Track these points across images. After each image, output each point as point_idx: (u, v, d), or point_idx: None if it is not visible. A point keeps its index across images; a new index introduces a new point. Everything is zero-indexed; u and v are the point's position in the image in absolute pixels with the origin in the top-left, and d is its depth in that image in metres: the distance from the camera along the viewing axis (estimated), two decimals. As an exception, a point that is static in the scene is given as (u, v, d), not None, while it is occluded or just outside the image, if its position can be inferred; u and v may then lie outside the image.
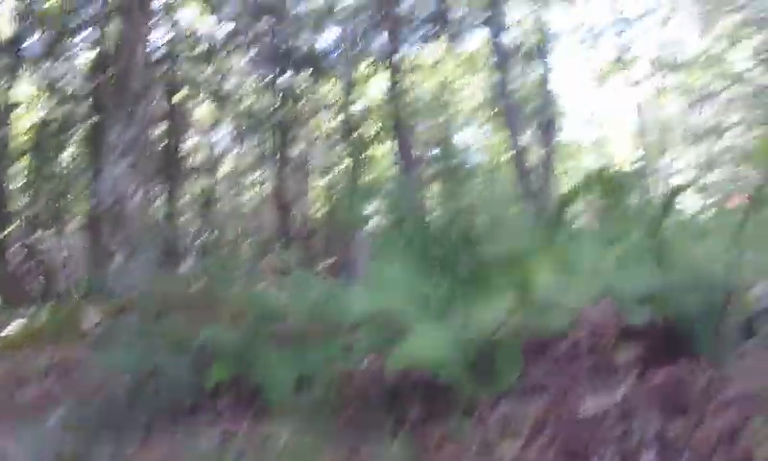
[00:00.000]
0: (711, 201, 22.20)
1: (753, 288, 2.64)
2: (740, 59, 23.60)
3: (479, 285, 2.57)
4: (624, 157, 26.55)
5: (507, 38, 18.82)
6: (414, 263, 2.71)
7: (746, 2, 22.20)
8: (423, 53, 21.01)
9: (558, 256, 2.63)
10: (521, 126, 20.33)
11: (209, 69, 17.38)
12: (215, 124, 18.71)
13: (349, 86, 19.29)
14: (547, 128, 18.18)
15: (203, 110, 18.74)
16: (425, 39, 19.79)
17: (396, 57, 17.63)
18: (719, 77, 23.89)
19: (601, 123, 27.88)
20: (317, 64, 18.41)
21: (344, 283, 3.50)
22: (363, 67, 19.40)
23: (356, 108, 19.23)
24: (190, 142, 18.73)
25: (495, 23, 17.51)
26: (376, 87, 19.91)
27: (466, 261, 2.67)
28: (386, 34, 17.98)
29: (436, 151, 24.33)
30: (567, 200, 3.09)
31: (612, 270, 2.70)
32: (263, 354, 2.68)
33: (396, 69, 17.61)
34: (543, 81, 16.57)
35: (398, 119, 17.35)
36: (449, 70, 21.98)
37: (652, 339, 2.47)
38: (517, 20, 19.24)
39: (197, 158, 18.65)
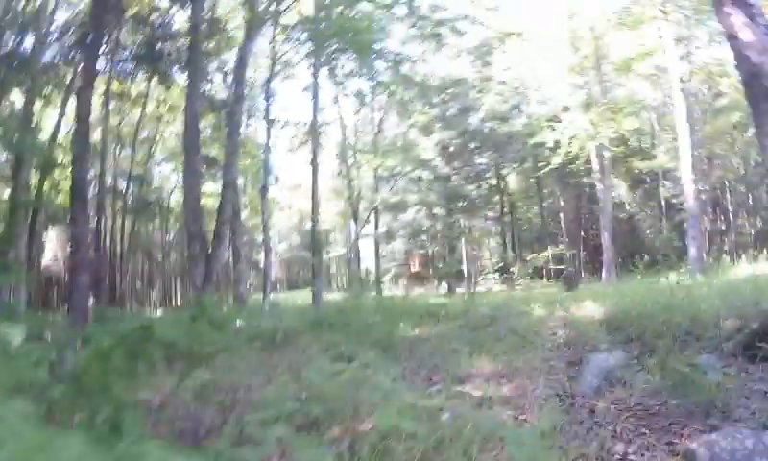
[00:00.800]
0: (392, 264, 24.33)
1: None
2: (427, 148, 26.95)
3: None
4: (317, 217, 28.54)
5: (208, 88, 19.13)
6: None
7: (437, 102, 25.59)
8: (130, 84, 20.43)
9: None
10: (205, 172, 20.86)
11: None
12: None
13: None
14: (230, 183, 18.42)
15: None
16: (134, 72, 19.23)
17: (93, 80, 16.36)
18: (408, 161, 26.94)
19: (296, 185, 29.46)
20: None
21: None
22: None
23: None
24: None
25: (197, 71, 17.29)
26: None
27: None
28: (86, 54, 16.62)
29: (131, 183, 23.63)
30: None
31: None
32: None
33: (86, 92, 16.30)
34: (232, 134, 16.67)
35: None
36: (154, 106, 21.71)
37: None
38: (220, 75, 19.77)
39: None
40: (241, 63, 14.86)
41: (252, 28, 13.63)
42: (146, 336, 6.58)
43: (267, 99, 13.96)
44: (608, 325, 5.08)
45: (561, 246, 27.63)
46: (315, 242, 17.79)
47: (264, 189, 13.66)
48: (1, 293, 11.67)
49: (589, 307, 6.02)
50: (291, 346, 6.50)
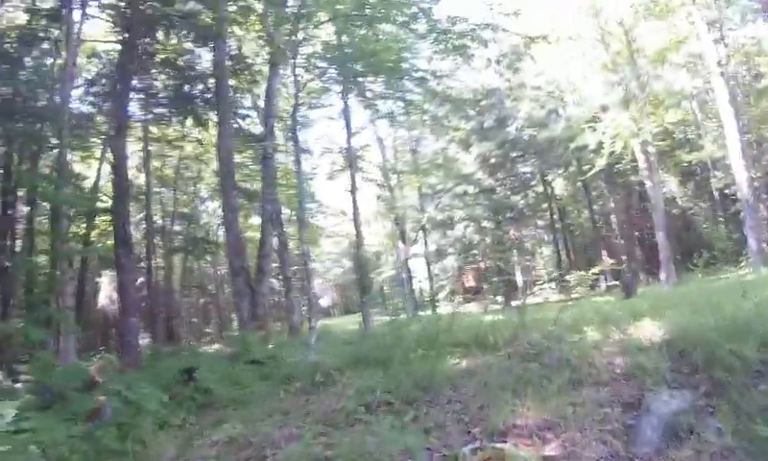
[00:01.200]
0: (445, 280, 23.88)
1: None
2: (467, 162, 26.49)
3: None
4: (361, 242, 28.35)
5: (243, 123, 19.28)
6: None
7: (473, 114, 25.18)
8: (167, 127, 20.95)
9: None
10: (248, 206, 21.12)
11: None
12: None
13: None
14: (273, 214, 18.50)
15: None
16: (169, 115, 19.66)
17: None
18: (449, 177, 26.59)
19: (340, 211, 29.32)
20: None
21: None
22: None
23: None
24: None
25: (226, 109, 17.47)
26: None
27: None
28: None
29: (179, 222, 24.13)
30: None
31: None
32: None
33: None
34: (267, 167, 16.69)
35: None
36: (192, 147, 22.15)
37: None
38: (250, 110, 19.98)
39: None
40: (269, 96, 14.84)
41: (276, 61, 13.61)
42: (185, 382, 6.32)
43: (295, 129, 13.86)
44: (669, 348, 4.52)
45: (613, 261, 26.45)
46: (360, 268, 17.53)
47: (300, 219, 13.50)
48: (46, 343, 11.65)
49: (648, 327, 5.46)
50: (330, 386, 6.21)
